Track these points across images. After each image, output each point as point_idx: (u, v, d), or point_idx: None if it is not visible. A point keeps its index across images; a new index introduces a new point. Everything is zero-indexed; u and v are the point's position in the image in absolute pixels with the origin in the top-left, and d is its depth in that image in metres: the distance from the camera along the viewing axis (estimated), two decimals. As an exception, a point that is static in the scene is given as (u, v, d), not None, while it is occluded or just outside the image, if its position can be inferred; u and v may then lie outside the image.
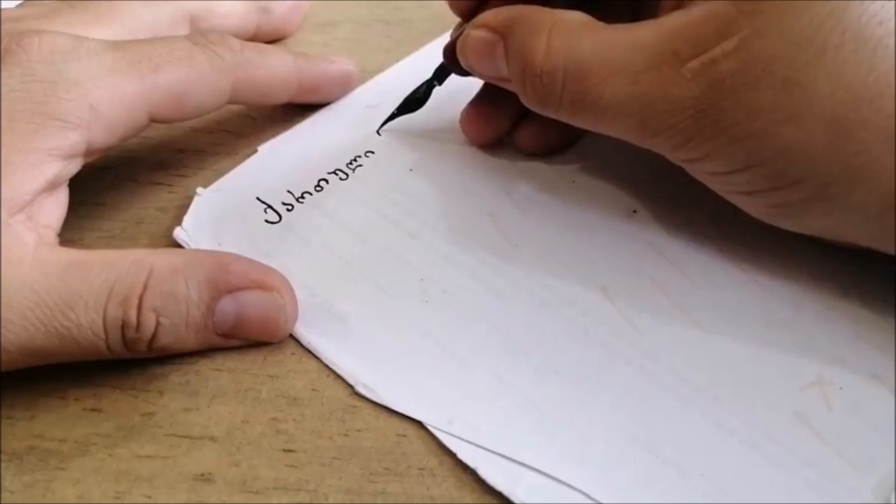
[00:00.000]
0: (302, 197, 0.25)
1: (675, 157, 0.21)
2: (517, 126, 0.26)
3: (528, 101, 0.22)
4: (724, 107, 0.19)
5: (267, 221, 0.25)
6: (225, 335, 0.21)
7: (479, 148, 0.27)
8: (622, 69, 0.20)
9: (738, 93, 0.18)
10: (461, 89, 0.26)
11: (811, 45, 0.18)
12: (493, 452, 0.19)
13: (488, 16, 0.22)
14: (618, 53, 0.20)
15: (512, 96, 0.24)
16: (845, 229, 0.20)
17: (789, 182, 0.19)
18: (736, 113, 0.18)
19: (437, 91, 0.27)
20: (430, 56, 0.30)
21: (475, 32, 0.23)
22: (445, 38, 0.31)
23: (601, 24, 0.21)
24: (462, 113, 0.26)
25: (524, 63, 0.21)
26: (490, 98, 0.26)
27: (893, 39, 0.18)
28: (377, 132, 0.27)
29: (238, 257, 0.22)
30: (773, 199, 0.20)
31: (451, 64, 0.25)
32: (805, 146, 0.18)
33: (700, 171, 0.21)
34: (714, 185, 0.21)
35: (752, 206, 0.21)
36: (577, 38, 0.20)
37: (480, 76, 0.24)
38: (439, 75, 0.26)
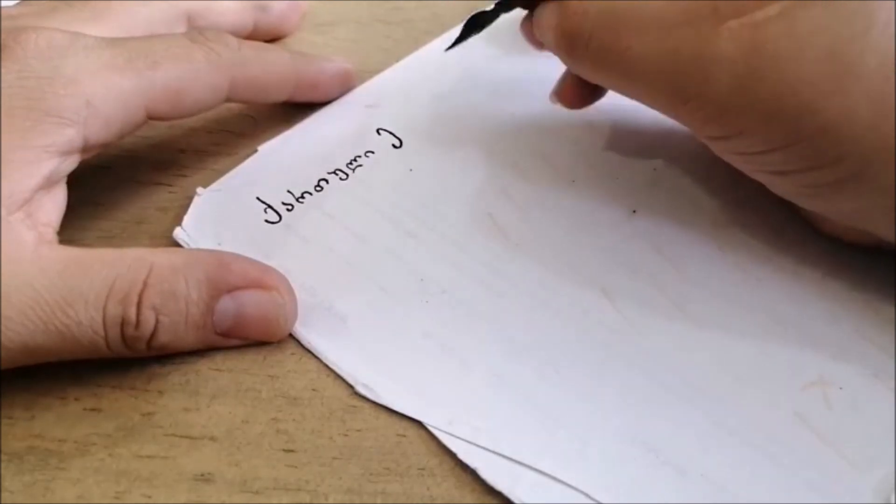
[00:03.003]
0: (302, 197, 0.25)
1: (705, 133, 0.20)
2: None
3: (556, 48, 0.22)
4: (764, 76, 0.18)
5: (267, 221, 0.25)
6: (224, 334, 0.21)
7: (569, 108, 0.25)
8: (655, 21, 0.19)
9: (780, 62, 0.18)
10: (461, 89, 0.26)
11: (858, 19, 0.17)
12: (493, 452, 0.19)
13: None
14: (653, 4, 0.19)
15: None
16: (873, 214, 0.19)
17: (828, 161, 0.18)
18: (777, 85, 0.18)
19: (438, 90, 0.26)
20: (430, 56, 0.30)
21: None
22: (445, 38, 0.31)
23: None
24: (554, 89, 0.25)
25: (557, 6, 0.21)
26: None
27: None
28: (446, 50, 0.26)
29: (238, 256, 0.21)
30: (807, 180, 0.19)
31: None
32: (848, 124, 0.17)
33: (729, 150, 0.20)
34: (743, 164, 0.20)
35: (782, 187, 0.20)
36: None
37: (528, 39, 0.24)
38: (505, 4, 0.25)
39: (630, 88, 0.21)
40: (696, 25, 0.19)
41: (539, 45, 0.24)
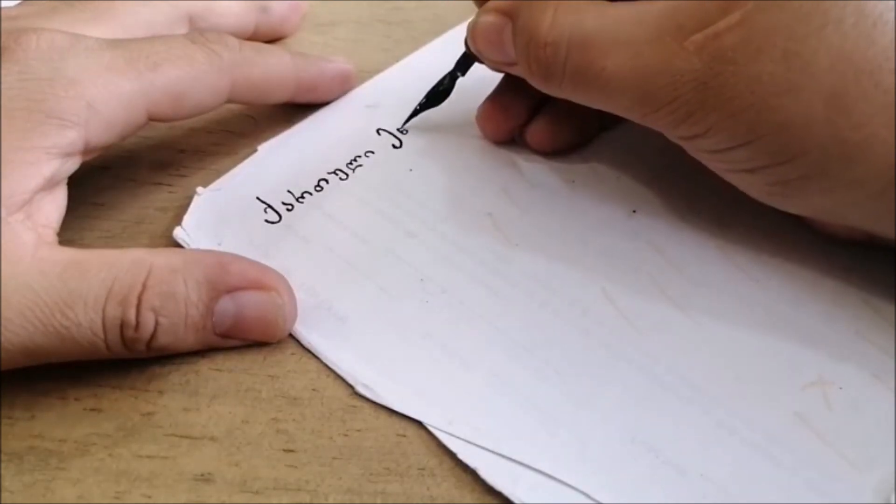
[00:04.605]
0: (302, 197, 0.25)
1: (676, 134, 0.21)
2: (528, 123, 0.26)
3: (531, 75, 0.22)
4: (726, 79, 0.19)
5: (267, 221, 0.25)
6: (224, 335, 0.21)
7: (493, 143, 0.27)
8: (626, 42, 0.20)
9: (739, 64, 0.18)
10: (463, 90, 0.26)
11: (812, 19, 0.18)
12: (493, 452, 0.19)
13: (496, 1, 0.23)
14: (622, 26, 0.20)
15: (526, 93, 0.24)
16: (845, 209, 0.20)
17: (789, 157, 0.19)
18: (737, 85, 0.19)
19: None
20: (430, 56, 0.30)
21: (484, 18, 0.23)
22: (445, 38, 0.32)
23: (607, 2, 0.21)
24: (478, 109, 0.26)
25: (529, 35, 0.21)
26: (505, 95, 0.26)
27: (893, 14, 0.18)
28: (399, 129, 0.27)
29: (237, 257, 0.21)
30: (773, 177, 0.20)
31: (473, 54, 0.25)
32: (805, 119, 0.18)
33: (700, 150, 0.21)
34: (714, 164, 0.21)
35: (753, 186, 0.21)
36: (582, 11, 0.21)
37: (490, 62, 0.24)
38: (462, 66, 0.26)
39: (604, 103, 0.21)
40: (663, 42, 0.19)
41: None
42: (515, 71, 0.23)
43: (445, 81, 0.26)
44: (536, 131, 0.26)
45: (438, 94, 0.27)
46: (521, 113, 0.26)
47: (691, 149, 0.21)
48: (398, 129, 0.27)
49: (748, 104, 0.19)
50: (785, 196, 0.20)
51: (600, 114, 0.22)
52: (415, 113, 0.27)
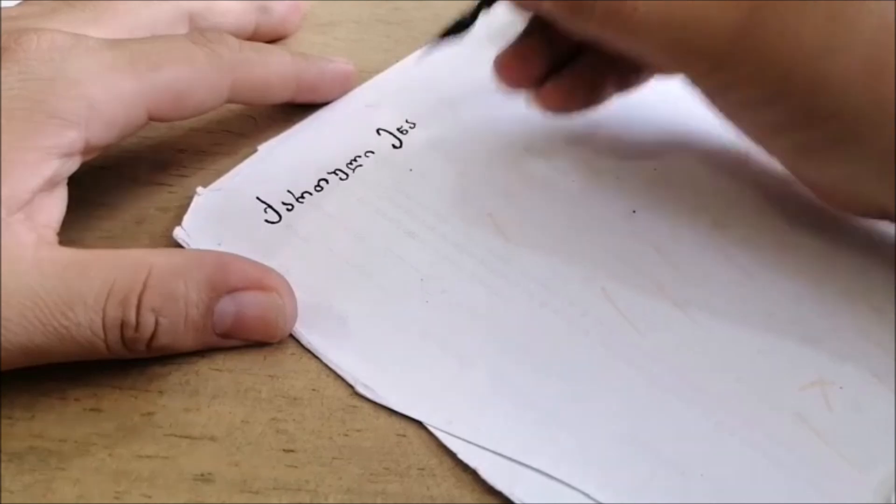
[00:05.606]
0: (302, 197, 0.25)
1: (706, 84, 0.20)
2: (543, 83, 0.25)
3: (559, 10, 0.22)
4: (765, 30, 0.18)
5: (267, 221, 0.25)
6: (224, 335, 0.21)
7: (510, 91, 0.26)
8: None
9: (780, 18, 0.18)
10: (462, 89, 0.26)
11: None
12: (493, 452, 0.19)
13: None
14: None
15: (547, 45, 0.24)
16: (866, 181, 0.20)
17: (820, 117, 0.19)
18: (776, 38, 0.18)
19: (438, 90, 0.27)
20: (431, 56, 0.30)
21: None
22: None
23: None
24: (496, 57, 0.25)
25: None
26: (525, 44, 0.25)
27: None
28: (424, 55, 0.26)
29: (237, 257, 0.22)
30: (800, 138, 0.20)
31: None
32: (841, 80, 0.18)
33: (729, 103, 0.21)
34: (741, 119, 0.21)
35: (777, 147, 0.21)
36: None
37: (520, 4, 0.23)
38: (488, 0, 0.25)
39: (631, 45, 0.21)
40: None
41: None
42: (544, 9, 0.22)
43: (469, 13, 0.25)
44: (550, 91, 0.25)
45: (461, 24, 0.25)
46: (538, 65, 0.25)
47: (718, 102, 0.21)
48: (425, 55, 0.26)
49: (783, 59, 0.18)
50: (809, 161, 0.20)
51: (615, 77, 0.22)
52: (435, 44, 0.26)
